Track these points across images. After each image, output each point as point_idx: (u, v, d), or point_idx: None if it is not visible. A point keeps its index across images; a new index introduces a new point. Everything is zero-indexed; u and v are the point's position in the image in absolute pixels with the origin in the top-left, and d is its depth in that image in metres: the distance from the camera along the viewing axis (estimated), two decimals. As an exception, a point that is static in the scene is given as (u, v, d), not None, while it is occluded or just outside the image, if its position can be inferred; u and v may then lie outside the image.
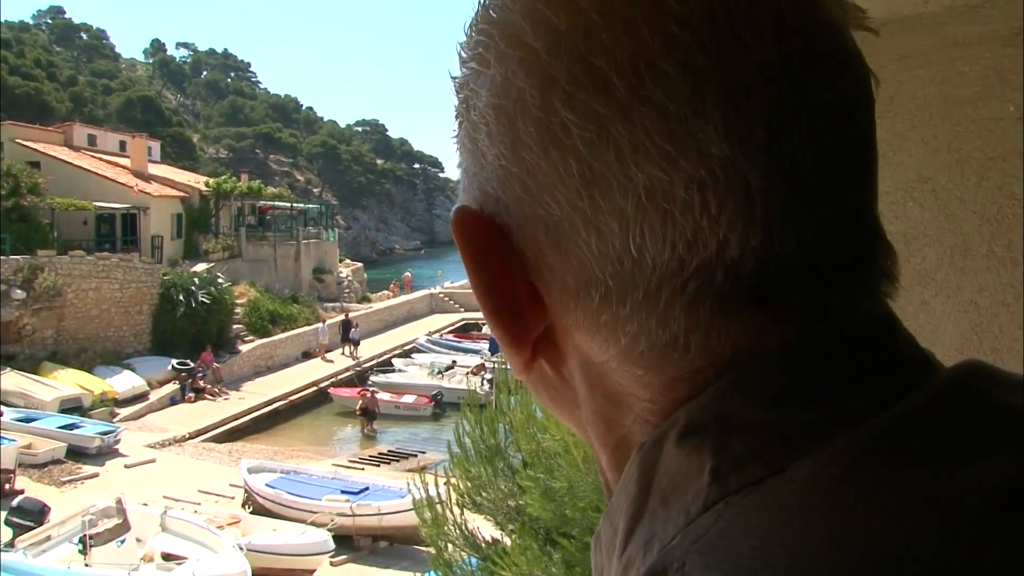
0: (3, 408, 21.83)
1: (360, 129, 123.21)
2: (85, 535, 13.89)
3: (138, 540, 14.37)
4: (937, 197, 1.33)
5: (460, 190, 0.46)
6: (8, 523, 15.10)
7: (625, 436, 0.43)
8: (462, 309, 44.82)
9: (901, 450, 0.35)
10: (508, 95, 0.41)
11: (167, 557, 14.30)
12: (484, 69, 0.43)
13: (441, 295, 46.13)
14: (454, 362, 31.64)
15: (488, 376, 24.87)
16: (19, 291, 25.08)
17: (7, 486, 17.79)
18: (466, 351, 34.99)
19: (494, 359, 25.37)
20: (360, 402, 26.32)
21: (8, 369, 23.90)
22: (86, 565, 13.51)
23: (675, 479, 0.38)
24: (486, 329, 40.51)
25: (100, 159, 36.08)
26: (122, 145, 39.66)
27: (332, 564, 15.41)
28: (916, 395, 0.37)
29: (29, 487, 18.09)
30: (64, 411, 22.45)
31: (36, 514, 15.27)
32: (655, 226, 0.37)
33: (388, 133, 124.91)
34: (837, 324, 0.38)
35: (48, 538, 14.61)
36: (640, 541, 0.38)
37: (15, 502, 15.85)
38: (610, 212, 0.38)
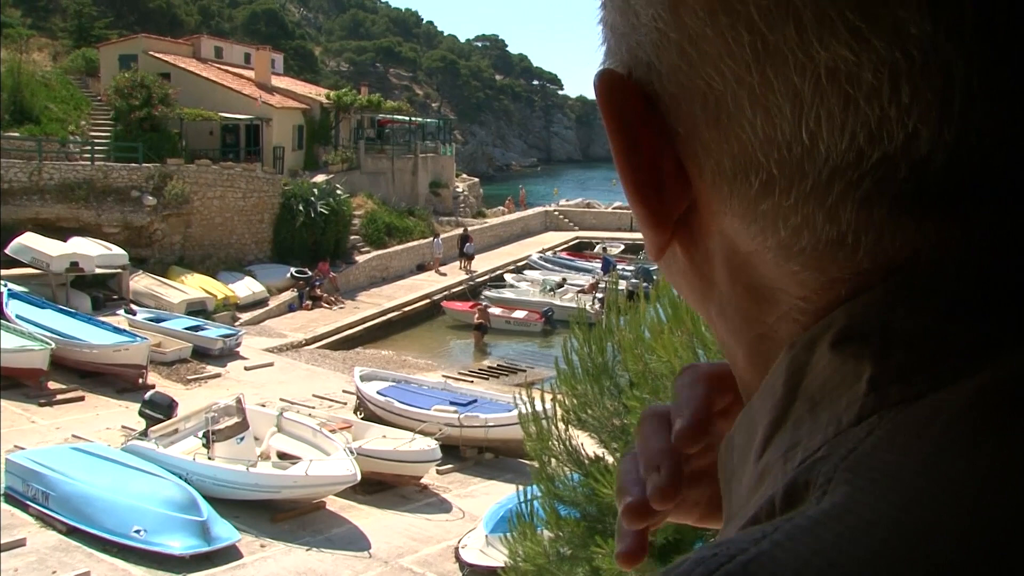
0: (135, 308, 23.05)
1: (480, 44, 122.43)
2: (208, 430, 14.55)
3: (256, 438, 14.98)
4: None
5: (603, 50, 0.42)
6: (141, 414, 16.01)
7: (766, 334, 0.39)
8: (576, 228, 44.47)
9: None
10: None
11: (282, 456, 14.86)
12: None
13: (556, 213, 45.85)
14: (564, 280, 31.52)
15: (600, 295, 24.67)
16: (150, 197, 26.18)
17: (140, 381, 18.86)
18: (579, 270, 34.78)
19: (606, 278, 25.10)
20: (476, 315, 26.60)
21: (140, 272, 25.15)
22: (209, 458, 14.19)
23: (827, 385, 0.34)
24: (599, 249, 40.23)
25: (226, 71, 36.91)
26: (247, 57, 40.42)
27: (439, 472, 15.73)
28: None
29: (159, 383, 19.11)
30: (190, 313, 23.53)
31: (165, 408, 16.12)
32: (834, 112, 0.33)
33: (507, 49, 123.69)
34: None
35: (176, 431, 15.41)
36: (781, 447, 0.35)
37: (147, 396, 16.78)
38: (782, 92, 0.33)
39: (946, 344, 0.32)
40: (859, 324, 0.34)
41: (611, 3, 0.40)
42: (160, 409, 16.02)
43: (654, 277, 19.89)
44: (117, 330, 20.43)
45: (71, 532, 12.23)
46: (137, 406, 16.48)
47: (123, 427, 16.49)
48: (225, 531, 12.30)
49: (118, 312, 22.63)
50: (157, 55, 34.54)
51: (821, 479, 0.31)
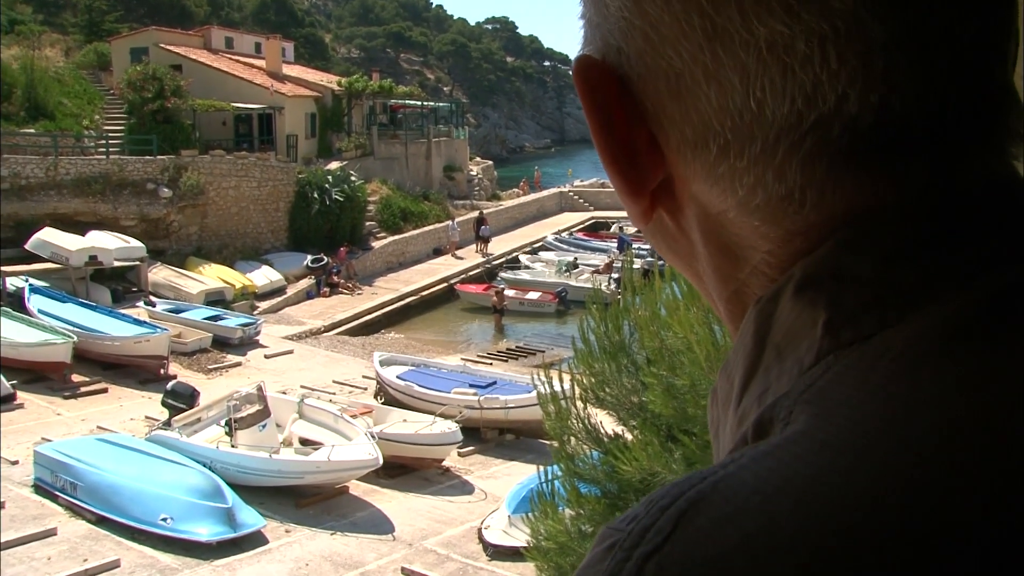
0: (155, 300, 23.22)
1: (490, 27, 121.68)
2: (231, 418, 14.68)
3: (278, 425, 15.09)
4: None
5: (581, 40, 0.47)
6: (164, 404, 16.17)
7: (739, 289, 0.44)
8: (592, 208, 44.34)
9: (1014, 315, 0.34)
10: None
11: (304, 442, 14.98)
12: None
13: (571, 193, 45.72)
14: (576, 259, 31.49)
15: (615, 275, 24.62)
16: (166, 189, 26.30)
17: (161, 371, 19.04)
18: (594, 250, 34.71)
19: (622, 257, 25.04)
20: (493, 297, 26.64)
21: (158, 263, 25.32)
22: (232, 446, 14.32)
23: (790, 332, 0.39)
24: (615, 228, 40.09)
25: (237, 61, 36.90)
26: (257, 47, 40.37)
27: (460, 455, 15.80)
28: None
29: (180, 373, 19.28)
30: (209, 303, 23.69)
31: (187, 397, 16.27)
32: (775, 80, 0.37)
33: (518, 30, 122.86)
34: (957, 184, 0.38)
35: (198, 420, 15.54)
36: (755, 394, 0.39)
37: (169, 386, 16.93)
38: (731, 66, 0.38)
39: (890, 287, 0.36)
40: (814, 273, 0.39)
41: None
42: (182, 399, 16.18)
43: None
44: (138, 322, 20.60)
45: (100, 521, 12.40)
46: (160, 396, 16.65)
47: (147, 417, 16.66)
48: (250, 517, 12.43)
49: (138, 304, 22.80)
50: (168, 47, 34.56)
51: (783, 413, 0.35)
